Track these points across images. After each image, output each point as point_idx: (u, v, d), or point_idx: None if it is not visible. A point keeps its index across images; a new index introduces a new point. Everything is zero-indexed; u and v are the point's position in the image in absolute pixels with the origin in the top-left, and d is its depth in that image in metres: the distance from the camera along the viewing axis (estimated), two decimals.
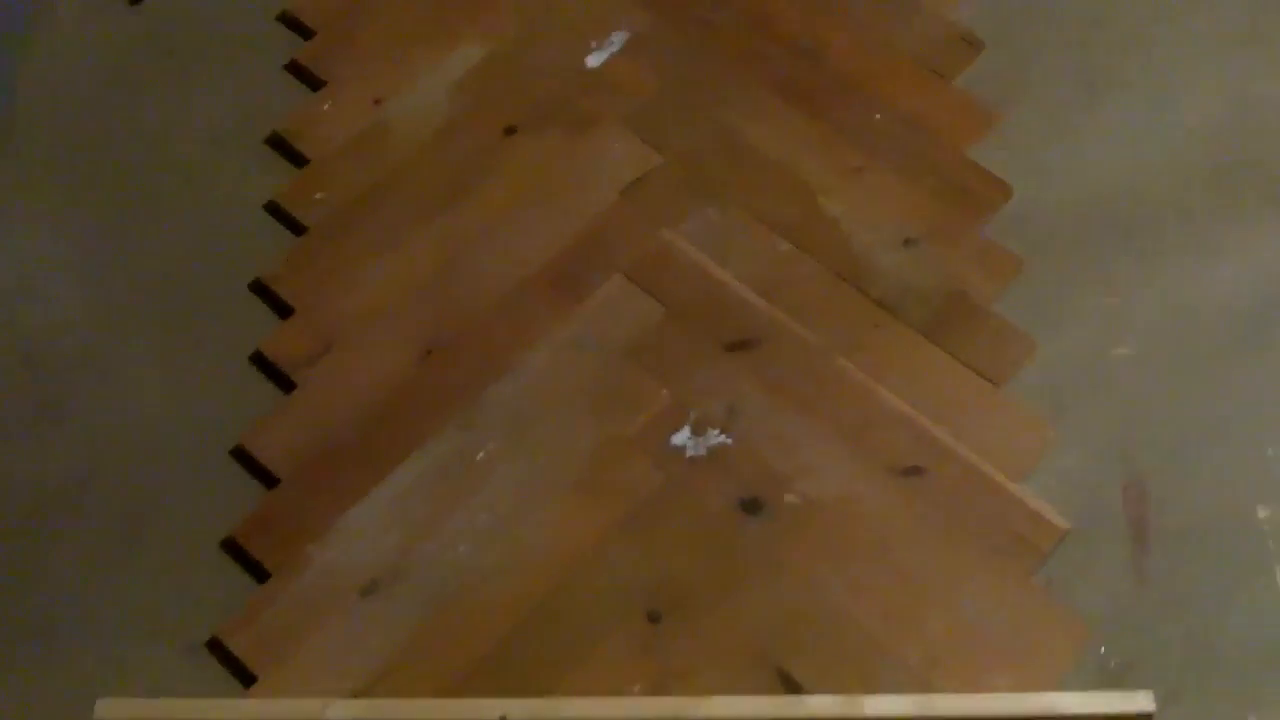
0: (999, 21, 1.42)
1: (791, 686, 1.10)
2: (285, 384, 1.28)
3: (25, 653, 1.16)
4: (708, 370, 1.24)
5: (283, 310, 1.31)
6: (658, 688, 1.11)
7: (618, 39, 1.43)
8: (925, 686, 1.09)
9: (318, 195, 1.36)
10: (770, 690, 1.10)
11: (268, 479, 1.23)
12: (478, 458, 1.21)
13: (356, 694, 1.13)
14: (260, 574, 1.19)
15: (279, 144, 1.40)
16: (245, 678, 1.15)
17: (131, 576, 1.21)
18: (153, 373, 1.29)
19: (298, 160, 1.38)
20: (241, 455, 1.24)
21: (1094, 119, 1.36)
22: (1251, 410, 1.21)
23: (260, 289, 1.32)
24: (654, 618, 1.14)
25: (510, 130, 1.38)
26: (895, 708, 1.04)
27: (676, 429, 1.21)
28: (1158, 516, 1.16)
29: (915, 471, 1.18)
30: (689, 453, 1.20)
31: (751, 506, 1.18)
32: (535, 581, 1.16)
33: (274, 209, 1.36)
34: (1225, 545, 1.15)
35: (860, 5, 1.44)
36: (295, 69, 1.44)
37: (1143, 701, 1.02)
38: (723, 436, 1.21)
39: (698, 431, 1.21)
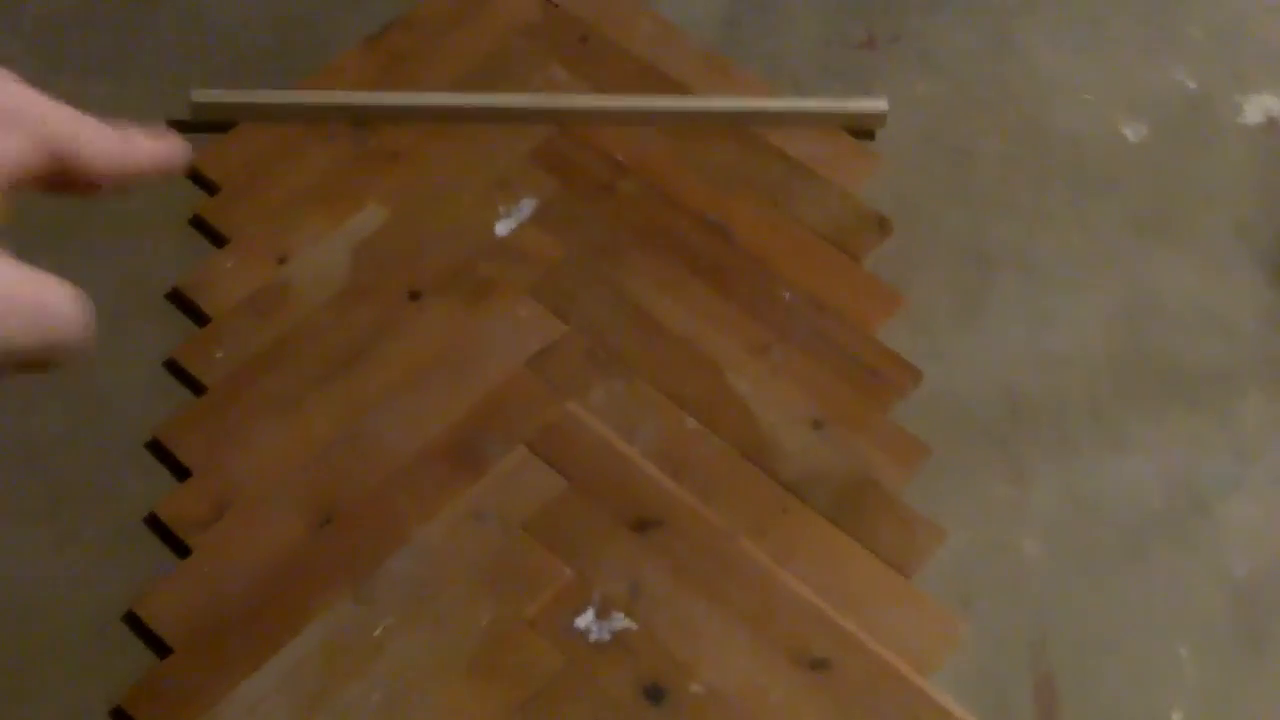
0: (905, 202, 1.42)
1: None
2: (180, 548, 1.24)
3: None
4: (611, 549, 1.22)
5: (179, 471, 1.27)
6: None
7: (526, 206, 1.42)
8: None
9: (218, 354, 1.32)
10: None
11: (159, 646, 1.19)
12: (374, 633, 1.18)
13: None
14: None
15: (179, 300, 1.36)
16: None
17: None
18: (42, 532, 1.24)
19: (198, 317, 1.35)
20: (133, 621, 1.20)
21: (1002, 304, 1.36)
22: (1162, 607, 1.20)
23: (157, 448, 1.29)
24: None
25: (414, 295, 1.35)
26: None
27: (579, 611, 1.19)
28: (1068, 717, 1.16)
29: (821, 664, 1.16)
30: (592, 636, 1.17)
31: (655, 695, 1.15)
32: None
33: (173, 366, 1.32)
34: None
35: (768, 182, 1.44)
36: (198, 224, 1.41)
37: None
38: (627, 620, 1.18)
39: (601, 615, 1.18)
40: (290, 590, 1.21)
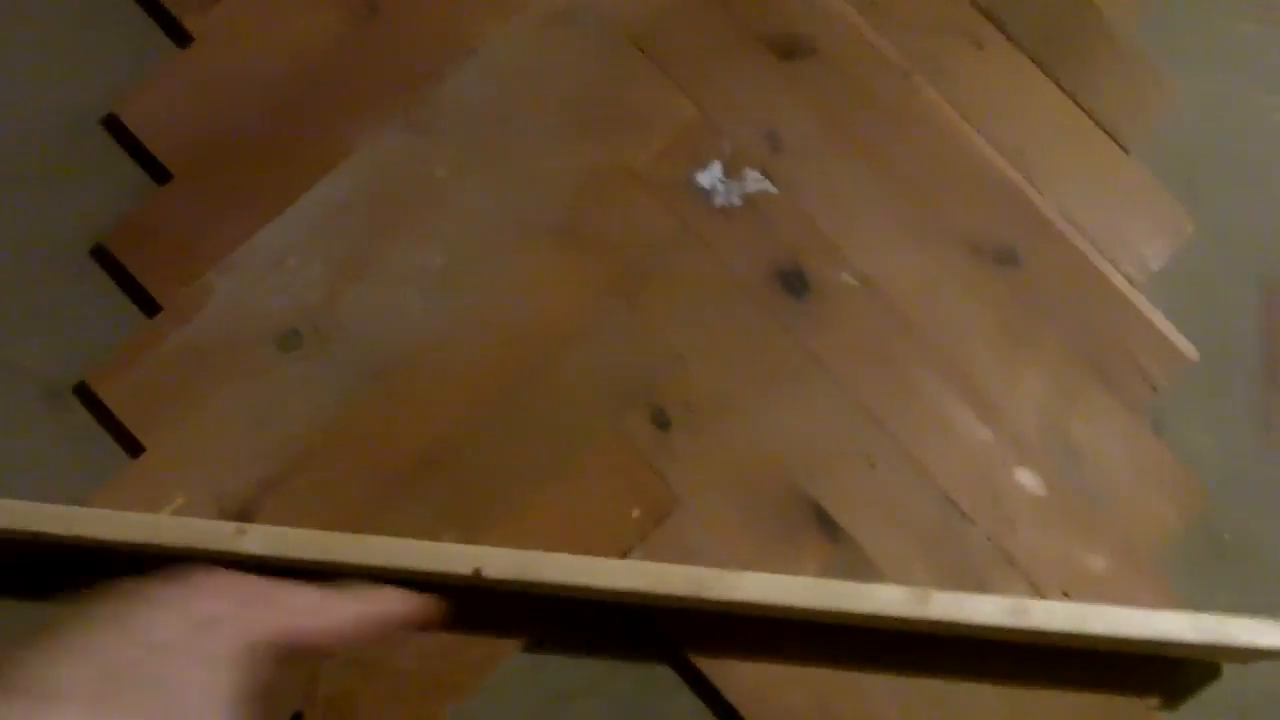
0: None
1: (828, 528, 0.86)
2: (176, 33, 0.94)
3: None
4: (748, 81, 0.93)
5: None
6: (660, 517, 0.87)
7: None
8: (999, 549, 0.86)
9: None
10: (801, 529, 0.86)
11: (154, 168, 0.92)
12: (435, 173, 0.91)
13: (271, 481, 0.86)
14: (144, 301, 0.90)
15: None
16: (127, 441, 0.88)
17: None
18: None
19: None
20: (117, 128, 0.92)
21: None
22: None
23: None
24: (660, 422, 0.88)
25: None
26: (982, 613, 0.81)
27: (703, 164, 0.91)
28: None
29: (1009, 258, 0.90)
30: (718, 199, 0.91)
31: (793, 283, 0.90)
32: (506, 351, 0.89)
33: None
34: None
35: None
36: None
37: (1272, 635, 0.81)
38: (764, 181, 0.91)
39: (731, 171, 0.91)
40: (325, 105, 0.92)
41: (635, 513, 0.86)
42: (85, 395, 0.89)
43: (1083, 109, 0.93)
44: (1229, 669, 0.86)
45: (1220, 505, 0.88)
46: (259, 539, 0.80)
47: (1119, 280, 0.90)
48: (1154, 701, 0.84)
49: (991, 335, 0.89)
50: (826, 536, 0.86)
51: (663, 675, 0.85)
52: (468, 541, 0.81)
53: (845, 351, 0.89)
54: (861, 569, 0.85)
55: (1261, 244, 0.92)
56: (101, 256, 0.90)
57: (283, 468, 0.87)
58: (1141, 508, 0.87)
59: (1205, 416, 0.90)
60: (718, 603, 0.81)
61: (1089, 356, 0.89)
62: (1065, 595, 0.85)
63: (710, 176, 0.91)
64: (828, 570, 0.85)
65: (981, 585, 0.85)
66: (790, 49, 0.93)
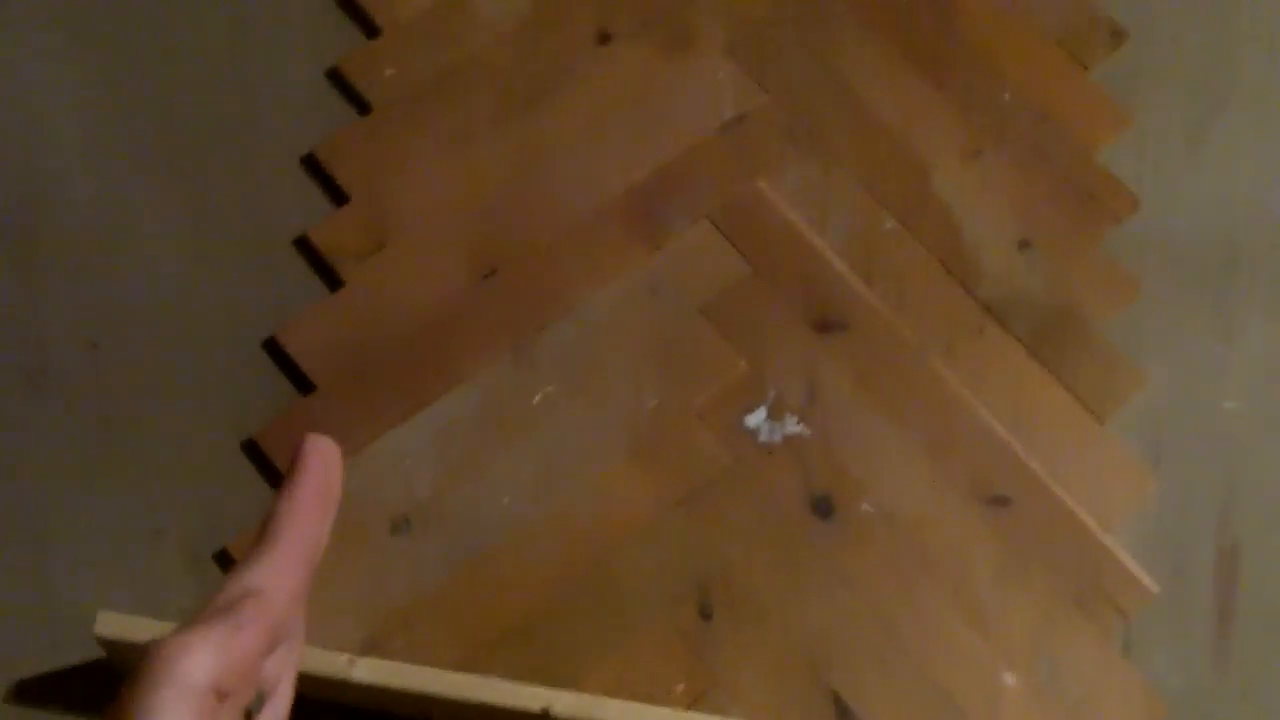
0: (1145, 13, 1.27)
1: (843, 713, 1.03)
2: (330, 279, 1.16)
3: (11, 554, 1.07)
4: (790, 347, 1.14)
5: (335, 195, 1.18)
6: (701, 693, 1.03)
7: None
8: None
9: (387, 71, 1.21)
10: (820, 714, 1.03)
11: (301, 383, 1.12)
12: (533, 401, 1.11)
13: (373, 641, 1.03)
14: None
15: (350, 5, 1.24)
16: None
17: (137, 468, 1.10)
18: (180, 237, 1.17)
19: (369, 28, 1.23)
20: (274, 350, 1.13)
21: (1236, 138, 1.24)
22: None
23: (313, 165, 1.19)
24: (705, 613, 1.06)
25: (604, 37, 1.23)
26: None
27: (752, 409, 1.11)
28: (1248, 593, 1.08)
29: (1001, 502, 1.09)
30: (761, 437, 1.10)
31: (823, 508, 1.09)
32: (580, 548, 1.07)
33: (337, 77, 1.21)
34: None
35: None
36: None
37: None
38: (800, 426, 1.11)
39: (774, 416, 1.11)
40: (447, 342, 1.13)
41: (679, 687, 1.02)
42: (224, 561, 1.06)
43: (1065, 387, 1.13)
44: None
45: (1178, 716, 1.04)
46: (366, 669, 0.96)
47: (1094, 526, 1.08)
48: None
49: (987, 562, 1.07)
50: (840, 718, 1.01)
51: None
52: None
53: (864, 567, 1.06)
54: None
55: (1216, 505, 1.11)
56: (250, 450, 1.09)
57: (383, 631, 1.03)
58: (1108, 715, 1.03)
59: (1167, 642, 1.06)
60: None
61: (1068, 585, 1.06)
62: None
63: (756, 419, 1.10)
64: None
65: None
66: (826, 324, 1.14)
